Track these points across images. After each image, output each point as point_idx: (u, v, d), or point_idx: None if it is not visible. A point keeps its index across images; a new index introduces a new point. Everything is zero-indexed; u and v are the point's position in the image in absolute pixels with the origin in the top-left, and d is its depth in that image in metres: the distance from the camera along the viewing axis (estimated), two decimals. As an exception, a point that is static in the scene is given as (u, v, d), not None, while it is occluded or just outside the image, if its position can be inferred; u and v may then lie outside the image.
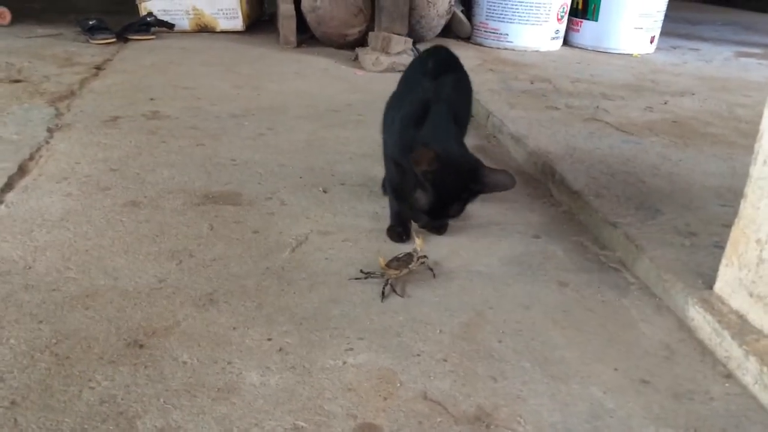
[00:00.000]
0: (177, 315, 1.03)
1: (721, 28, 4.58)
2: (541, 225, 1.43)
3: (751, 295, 0.98)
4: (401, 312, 1.08)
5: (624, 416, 0.87)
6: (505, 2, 3.20)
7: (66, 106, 2.03)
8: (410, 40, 2.94)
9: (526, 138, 1.82)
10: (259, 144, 1.82)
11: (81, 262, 1.17)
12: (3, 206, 1.35)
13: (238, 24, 3.43)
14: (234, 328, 1.01)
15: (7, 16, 3.23)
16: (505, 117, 2.01)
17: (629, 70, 2.90)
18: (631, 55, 3.30)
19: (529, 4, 3.17)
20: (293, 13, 3.11)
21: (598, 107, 2.20)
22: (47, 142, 1.71)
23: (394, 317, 1.06)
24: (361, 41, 3.11)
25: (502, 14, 3.24)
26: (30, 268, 1.14)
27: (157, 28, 3.24)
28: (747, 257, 0.99)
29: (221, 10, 3.39)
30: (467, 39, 3.45)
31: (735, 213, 1.02)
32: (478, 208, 1.47)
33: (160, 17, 3.27)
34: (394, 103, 1.38)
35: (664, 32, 3.50)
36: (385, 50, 2.86)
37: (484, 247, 1.32)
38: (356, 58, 2.97)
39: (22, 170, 1.52)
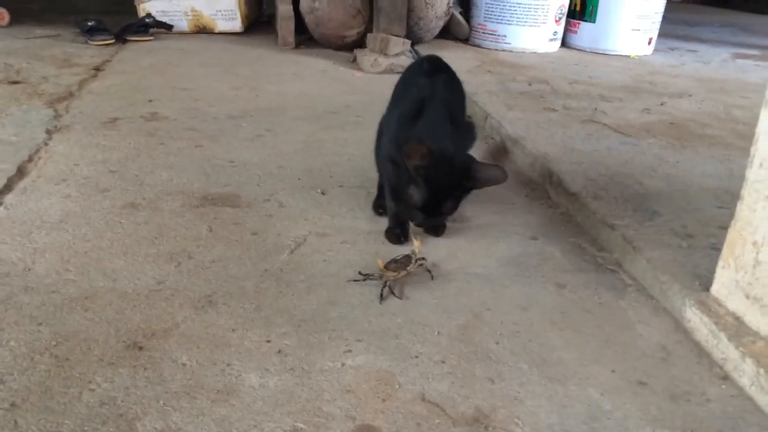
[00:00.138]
0: (176, 317, 1.03)
1: (719, 29, 4.60)
2: (539, 226, 1.43)
3: (747, 297, 0.99)
4: (399, 314, 1.08)
5: (621, 418, 0.88)
6: (503, 4, 3.20)
7: (65, 108, 2.03)
8: (408, 42, 2.95)
9: (524, 139, 1.82)
10: (258, 145, 1.82)
11: (80, 263, 1.17)
12: (2, 208, 1.35)
13: (236, 25, 3.44)
14: (233, 330, 1.01)
15: (6, 16, 3.23)
16: (503, 118, 2.02)
17: (627, 72, 2.91)
18: (629, 56, 3.31)
19: (527, 6, 3.17)
20: (292, 14, 3.11)
21: (595, 109, 2.20)
22: (46, 144, 1.71)
23: (393, 319, 1.07)
24: (360, 42, 3.11)
25: (500, 16, 3.24)
26: (29, 270, 1.14)
27: (155, 30, 3.24)
28: (743, 259, 0.99)
29: (220, 11, 3.39)
30: (465, 40, 3.45)
31: (732, 215, 1.02)
32: (475, 210, 1.47)
33: (159, 18, 3.27)
34: (387, 119, 1.41)
35: (662, 34, 3.51)
36: (383, 52, 2.86)
37: (481, 248, 1.32)
38: (354, 60, 2.97)
39: (20, 172, 1.53)
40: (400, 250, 1.24)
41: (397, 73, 2.19)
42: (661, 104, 2.33)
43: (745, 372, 0.93)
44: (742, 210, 1.00)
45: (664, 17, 3.40)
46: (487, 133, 2.06)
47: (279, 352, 0.97)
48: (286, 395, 0.88)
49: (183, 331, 1.00)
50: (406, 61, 2.85)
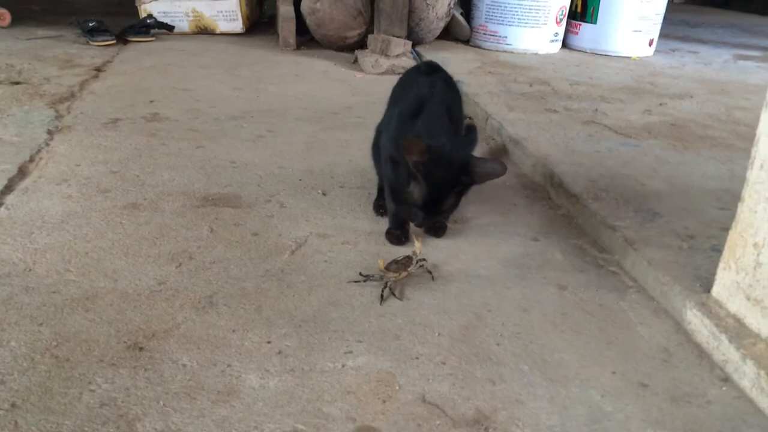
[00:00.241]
0: (177, 317, 1.03)
1: (720, 30, 4.59)
2: (540, 228, 1.43)
3: (748, 298, 0.99)
4: (400, 315, 1.08)
5: (622, 419, 0.88)
6: (505, 5, 3.20)
7: (66, 108, 2.03)
8: (409, 43, 2.95)
9: (525, 141, 1.82)
10: (259, 146, 1.82)
11: (81, 264, 1.17)
12: (3, 208, 1.35)
13: (237, 26, 3.44)
14: (233, 331, 1.01)
15: (7, 17, 3.24)
16: (504, 119, 2.02)
17: (628, 73, 2.91)
18: (630, 57, 3.31)
19: (528, 7, 3.17)
20: (293, 15, 3.11)
21: (596, 110, 2.20)
22: (47, 144, 1.71)
23: (393, 320, 1.07)
24: (361, 44, 3.12)
25: (501, 17, 3.24)
26: (30, 270, 1.14)
27: (156, 30, 3.25)
28: (744, 261, 0.99)
29: (221, 12, 3.40)
30: (466, 42, 3.45)
31: (733, 216, 1.02)
32: (476, 211, 1.47)
33: (160, 19, 3.27)
34: (386, 121, 1.42)
35: (663, 35, 3.50)
36: (384, 53, 2.86)
37: (482, 249, 1.32)
38: (356, 61, 2.98)
39: (22, 172, 1.53)
40: (401, 251, 1.25)
41: (398, 74, 2.20)
42: (660, 104, 2.33)
43: (745, 374, 0.93)
44: (743, 212, 0.99)
45: (665, 18, 3.39)
46: (488, 134, 2.06)
47: (279, 353, 0.97)
48: (286, 396, 0.88)
49: (183, 331, 1.00)
50: (407, 62, 2.85)
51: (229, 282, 1.14)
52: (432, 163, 1.17)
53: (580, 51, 3.42)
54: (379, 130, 1.45)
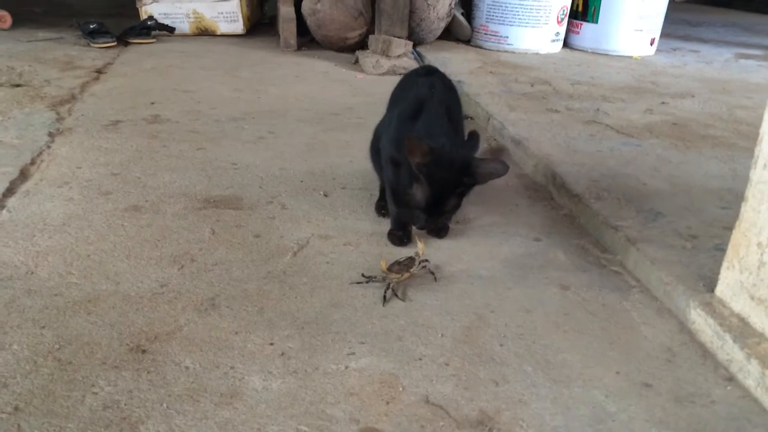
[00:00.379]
0: (179, 320, 1.03)
1: (721, 29, 4.59)
2: (543, 228, 1.43)
3: (752, 298, 0.98)
4: (403, 316, 1.08)
5: (626, 420, 0.87)
6: (506, 5, 3.20)
7: (67, 110, 2.03)
8: (410, 43, 2.95)
9: (526, 141, 1.82)
10: (260, 147, 1.82)
11: (83, 266, 1.17)
12: (5, 211, 1.35)
13: (238, 27, 3.44)
14: (236, 333, 1.01)
15: (8, 19, 3.24)
16: (505, 120, 2.02)
17: (629, 72, 2.91)
18: (631, 57, 3.31)
19: (529, 7, 3.17)
20: (293, 16, 3.12)
21: (598, 110, 2.20)
22: (48, 147, 1.71)
23: (396, 321, 1.06)
24: (362, 44, 3.12)
25: (502, 17, 3.24)
26: (32, 273, 1.14)
27: (157, 32, 3.25)
28: (748, 260, 0.99)
29: (222, 13, 3.40)
30: (467, 42, 3.45)
31: (736, 215, 1.02)
32: (478, 212, 1.47)
33: (161, 21, 3.28)
34: (386, 122, 1.42)
35: (664, 34, 3.50)
36: (385, 53, 2.86)
37: (485, 250, 1.32)
38: (357, 61, 2.98)
39: (23, 175, 1.53)
40: (403, 252, 1.24)
41: (399, 74, 2.20)
42: (661, 103, 2.32)
43: (750, 373, 0.93)
44: (747, 211, 0.99)
45: (666, 17, 3.39)
46: (489, 135, 2.06)
47: (282, 354, 0.97)
48: (289, 398, 0.88)
49: (186, 334, 1.00)
50: (408, 62, 2.85)
51: (231, 284, 1.14)
52: (434, 165, 1.17)
53: (581, 50, 3.42)
54: (378, 132, 1.44)
